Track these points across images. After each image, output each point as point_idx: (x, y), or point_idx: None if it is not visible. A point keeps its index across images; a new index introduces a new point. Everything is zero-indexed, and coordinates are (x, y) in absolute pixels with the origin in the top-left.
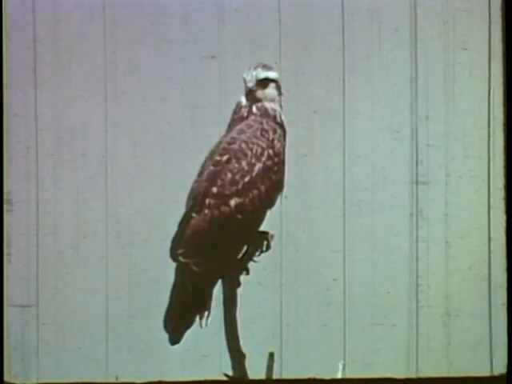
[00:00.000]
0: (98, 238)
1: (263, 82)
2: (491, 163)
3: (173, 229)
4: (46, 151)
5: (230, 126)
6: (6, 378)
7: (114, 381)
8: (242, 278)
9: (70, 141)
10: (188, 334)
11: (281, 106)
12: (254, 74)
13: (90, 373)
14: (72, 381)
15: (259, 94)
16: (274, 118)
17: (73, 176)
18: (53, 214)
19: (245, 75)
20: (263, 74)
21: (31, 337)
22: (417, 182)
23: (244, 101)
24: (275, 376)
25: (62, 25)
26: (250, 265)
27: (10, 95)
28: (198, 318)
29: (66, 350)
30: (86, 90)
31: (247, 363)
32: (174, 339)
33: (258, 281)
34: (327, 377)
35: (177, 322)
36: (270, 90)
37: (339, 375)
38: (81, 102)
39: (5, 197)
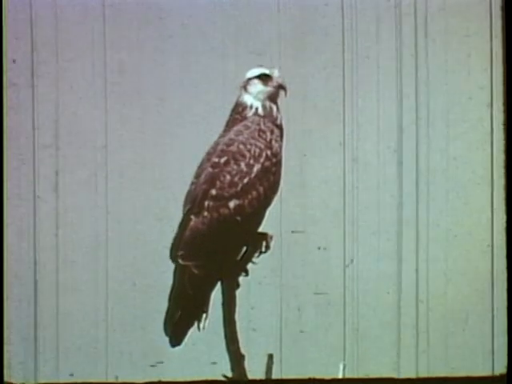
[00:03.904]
0: (98, 238)
1: (259, 79)
2: (492, 163)
3: (173, 230)
4: (46, 151)
5: (228, 126)
6: (5, 378)
7: (113, 381)
8: (242, 278)
9: (70, 141)
10: (187, 335)
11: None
12: (252, 71)
13: (90, 373)
14: (72, 381)
15: (256, 89)
16: (274, 118)
17: (73, 176)
18: (52, 214)
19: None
20: (259, 70)
21: (31, 337)
22: (417, 182)
23: (244, 100)
24: (275, 376)
25: (62, 25)
26: (250, 265)
27: (10, 95)
28: (196, 321)
29: (66, 350)
30: (86, 90)
31: (246, 364)
32: (175, 342)
33: (257, 281)
34: (327, 377)
35: (176, 325)
36: (264, 86)
37: (340, 375)
38: (81, 102)
39: (5, 196)
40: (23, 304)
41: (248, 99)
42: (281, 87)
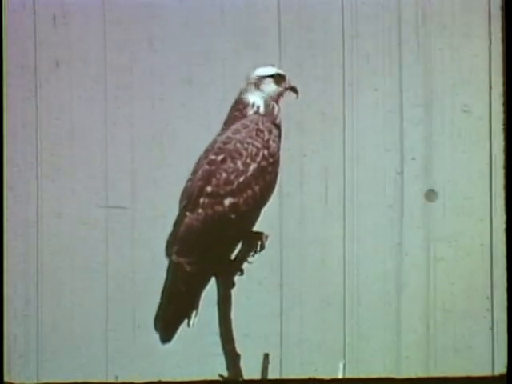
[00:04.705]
0: (97, 237)
1: (272, 78)
2: (491, 164)
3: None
4: (46, 151)
5: (227, 124)
6: (5, 378)
7: (113, 381)
8: (242, 277)
9: (70, 141)
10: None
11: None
12: (259, 71)
13: (90, 373)
14: (72, 381)
15: (269, 88)
16: (274, 117)
17: (73, 176)
18: (52, 214)
19: (251, 72)
20: (273, 70)
21: (31, 337)
22: (417, 182)
23: (247, 97)
24: (275, 376)
25: (62, 25)
26: (249, 266)
27: (10, 95)
28: (186, 318)
29: (66, 350)
30: (86, 91)
31: (243, 364)
32: (165, 338)
33: (257, 281)
34: (327, 377)
35: (166, 321)
36: (276, 86)
37: (340, 375)
38: (81, 102)
39: (5, 195)
40: (23, 304)
41: (252, 97)
42: (292, 89)
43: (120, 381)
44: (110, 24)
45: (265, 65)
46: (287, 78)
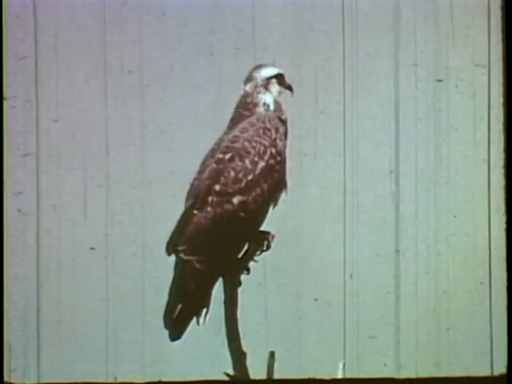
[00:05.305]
0: (98, 237)
1: (276, 78)
2: (491, 163)
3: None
4: (46, 152)
5: (234, 122)
6: (5, 378)
7: (113, 381)
8: (243, 277)
9: (70, 141)
10: (189, 333)
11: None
12: (265, 72)
13: (90, 373)
14: (72, 381)
15: (275, 88)
16: (281, 113)
17: (73, 176)
18: (53, 213)
19: (254, 73)
20: (275, 70)
21: (31, 337)
22: (417, 182)
23: (258, 98)
24: (275, 375)
25: (62, 25)
26: (251, 264)
27: (10, 95)
28: (196, 316)
29: (66, 349)
30: (86, 90)
31: (248, 362)
32: (174, 335)
33: (258, 280)
34: (327, 377)
35: (176, 319)
36: (279, 86)
37: (339, 374)
38: (81, 102)
39: (5, 196)
40: (23, 304)
41: (262, 98)
42: (289, 88)
43: (120, 381)
44: (110, 24)
45: (265, 63)
46: (285, 76)
